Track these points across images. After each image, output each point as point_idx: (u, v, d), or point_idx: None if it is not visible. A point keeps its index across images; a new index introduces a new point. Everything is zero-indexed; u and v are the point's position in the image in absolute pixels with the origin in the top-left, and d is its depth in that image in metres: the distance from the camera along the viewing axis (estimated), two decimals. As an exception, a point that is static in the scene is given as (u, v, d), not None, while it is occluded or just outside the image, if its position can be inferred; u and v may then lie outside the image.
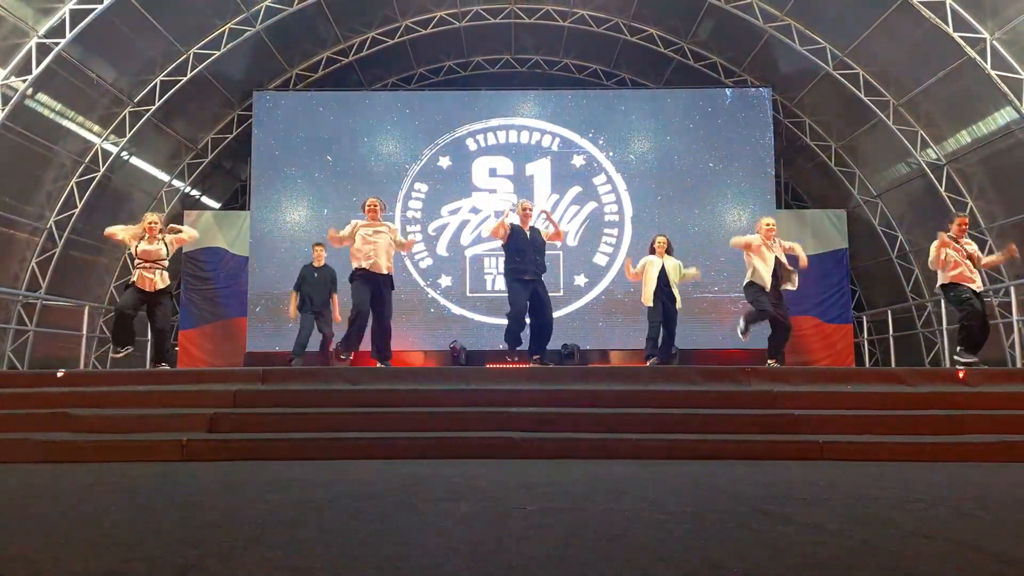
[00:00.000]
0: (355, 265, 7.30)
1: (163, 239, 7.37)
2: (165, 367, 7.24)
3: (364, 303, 7.18)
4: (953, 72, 9.75)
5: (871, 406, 5.41)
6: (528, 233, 7.53)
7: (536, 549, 2.32)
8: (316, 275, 9.18)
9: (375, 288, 7.25)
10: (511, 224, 7.57)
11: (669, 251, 8.60)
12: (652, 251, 8.63)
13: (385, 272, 7.29)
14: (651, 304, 8.42)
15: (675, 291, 8.44)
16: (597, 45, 13.73)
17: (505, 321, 7.60)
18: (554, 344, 8.48)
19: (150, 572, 2.09)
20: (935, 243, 7.41)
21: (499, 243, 7.81)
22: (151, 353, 7.71)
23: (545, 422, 5.18)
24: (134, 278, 7.27)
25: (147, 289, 7.19)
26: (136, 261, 7.30)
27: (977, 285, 7.31)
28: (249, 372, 6.24)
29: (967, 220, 7.73)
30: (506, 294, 7.65)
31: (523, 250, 7.44)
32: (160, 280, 7.23)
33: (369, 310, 7.25)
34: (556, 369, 6.47)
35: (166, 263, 7.36)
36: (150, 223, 7.34)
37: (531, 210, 7.66)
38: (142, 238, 7.28)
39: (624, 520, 2.77)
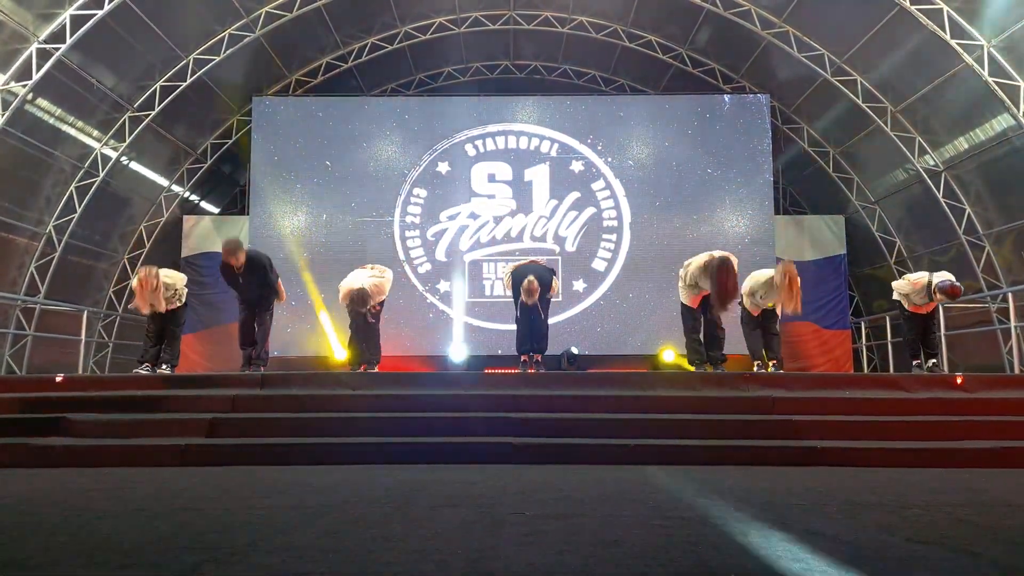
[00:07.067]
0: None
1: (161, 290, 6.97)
2: (166, 371, 7.26)
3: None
4: (951, 79, 9.79)
5: (869, 412, 5.42)
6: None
7: (534, 555, 2.32)
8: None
9: None
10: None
11: None
12: None
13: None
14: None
15: None
16: (596, 51, 13.76)
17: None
18: (554, 349, 8.59)
19: (149, 577, 2.10)
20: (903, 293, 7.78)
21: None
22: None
23: (543, 427, 5.18)
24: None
25: (161, 311, 7.11)
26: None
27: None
28: (248, 377, 6.25)
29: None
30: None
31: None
32: (170, 304, 7.20)
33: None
34: (553, 374, 6.47)
35: (176, 302, 7.33)
36: (139, 283, 6.90)
37: (536, 291, 7.74)
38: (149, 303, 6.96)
39: (622, 525, 2.78)
